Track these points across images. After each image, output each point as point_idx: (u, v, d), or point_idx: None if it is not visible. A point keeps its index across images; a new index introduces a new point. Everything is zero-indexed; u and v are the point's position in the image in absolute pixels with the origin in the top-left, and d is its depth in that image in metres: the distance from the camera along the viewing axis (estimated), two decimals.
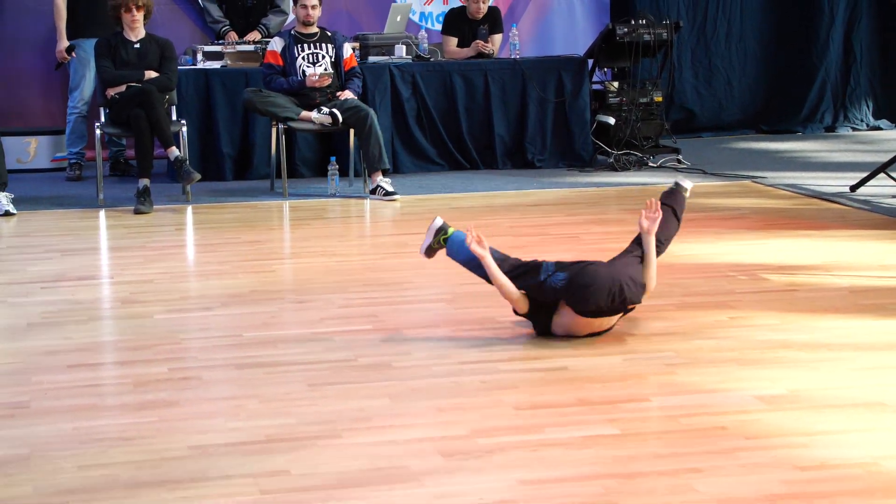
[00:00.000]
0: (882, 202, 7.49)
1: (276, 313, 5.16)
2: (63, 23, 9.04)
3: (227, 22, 9.51)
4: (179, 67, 8.59)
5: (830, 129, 11.57)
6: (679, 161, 9.38)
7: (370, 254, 6.59)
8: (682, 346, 4.49)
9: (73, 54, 8.95)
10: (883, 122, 11.67)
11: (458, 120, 9.32)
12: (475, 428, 3.64)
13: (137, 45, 8.22)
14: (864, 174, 7.94)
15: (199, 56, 9.05)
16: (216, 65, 9.02)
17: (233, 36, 9.40)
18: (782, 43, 11.61)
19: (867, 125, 11.66)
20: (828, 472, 3.24)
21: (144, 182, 7.78)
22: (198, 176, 7.89)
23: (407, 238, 6.85)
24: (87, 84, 9.13)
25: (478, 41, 9.51)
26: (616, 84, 9.74)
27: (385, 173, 8.22)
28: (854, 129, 11.57)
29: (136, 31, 8.23)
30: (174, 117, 8.40)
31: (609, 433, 3.58)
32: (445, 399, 3.94)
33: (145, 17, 8.24)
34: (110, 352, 4.72)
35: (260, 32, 9.47)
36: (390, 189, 8.08)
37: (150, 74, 8.12)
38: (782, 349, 4.42)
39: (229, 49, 9.13)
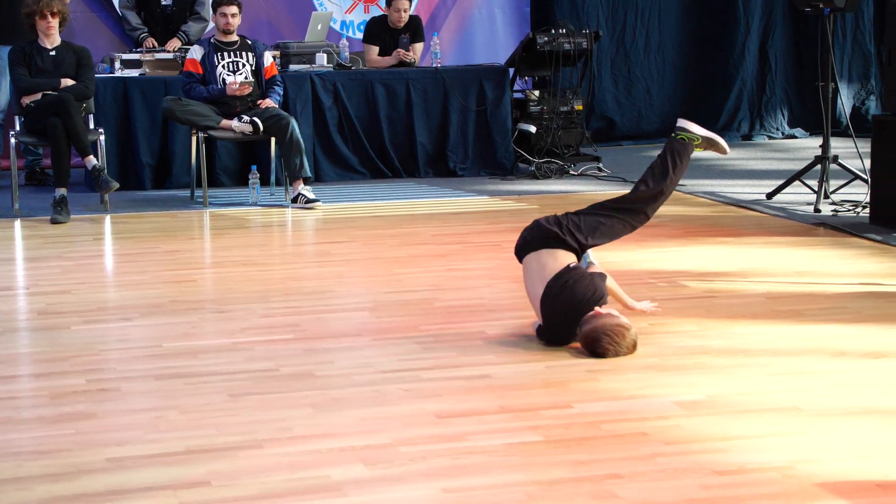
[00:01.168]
0: (797, 209, 7.62)
1: (196, 323, 5.11)
2: None
3: (146, 29, 9.42)
4: (97, 75, 8.49)
5: (747, 137, 11.75)
6: (600, 169, 9.46)
7: (292, 263, 6.56)
8: None
9: None
10: (798, 131, 11.87)
11: (380, 128, 9.32)
12: (397, 437, 3.63)
13: (53, 53, 8.11)
14: (780, 182, 8.07)
15: (117, 64, 8.94)
16: (135, 73, 8.93)
17: (151, 43, 9.30)
18: (700, 52, 11.77)
19: (783, 133, 11.85)
20: (745, 477, 3.27)
21: (61, 191, 7.67)
22: (116, 185, 7.80)
23: (329, 247, 6.83)
24: (1, 93, 8.99)
25: (399, 50, 9.53)
26: (537, 93, 9.81)
27: (306, 182, 8.19)
28: (770, 138, 11.76)
29: (52, 38, 8.11)
30: (91, 126, 8.29)
31: (531, 440, 3.59)
32: (368, 408, 3.93)
33: (60, 24, 8.13)
34: (26, 364, 4.64)
35: (180, 40, 9.39)
36: (312, 197, 8.06)
37: (67, 82, 8.02)
38: (701, 355, 4.48)
39: (148, 57, 9.03)
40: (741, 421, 3.73)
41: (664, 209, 7.78)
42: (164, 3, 9.47)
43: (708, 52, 11.76)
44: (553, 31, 9.65)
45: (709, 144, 5.02)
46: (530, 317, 5.08)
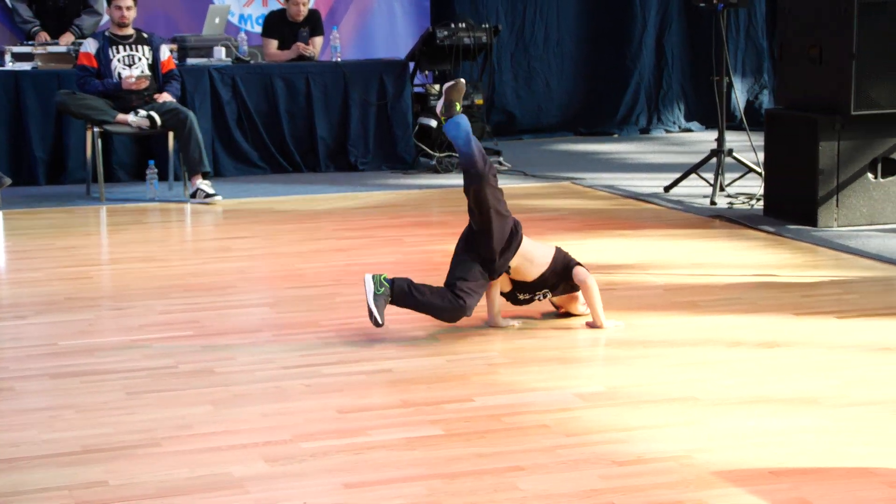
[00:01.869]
0: (694, 202, 7.73)
1: (93, 321, 5.03)
2: None
3: (38, 23, 9.23)
4: None
5: (645, 130, 11.90)
6: (500, 163, 9.50)
7: (191, 259, 6.49)
8: (504, 345, 4.56)
9: None
10: (694, 125, 12.05)
11: (280, 123, 9.25)
12: (299, 432, 3.62)
13: None
14: (677, 175, 8.19)
15: (8, 57, 8.75)
16: (27, 66, 8.74)
17: (44, 36, 9.12)
18: (598, 46, 11.89)
19: (679, 127, 12.03)
20: (644, 467, 3.32)
21: None
22: (8, 181, 7.64)
23: (229, 242, 6.77)
24: None
25: (298, 44, 9.47)
26: (437, 87, 9.82)
27: (205, 176, 8.10)
28: (667, 131, 11.92)
29: None
30: None
31: (433, 434, 3.60)
32: (269, 404, 3.90)
33: None
34: None
35: (73, 34, 9.22)
36: (211, 191, 7.97)
37: None
38: (600, 347, 4.53)
39: (40, 50, 8.85)
40: (640, 411, 3.78)
41: (564, 202, 7.88)
42: None
43: (606, 46, 11.89)
44: (453, 26, 9.67)
45: None
46: None
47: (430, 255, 6.25)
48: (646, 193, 8.12)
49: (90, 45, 8.29)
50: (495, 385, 4.08)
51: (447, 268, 5.90)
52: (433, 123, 9.63)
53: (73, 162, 8.75)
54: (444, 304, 4.62)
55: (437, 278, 5.71)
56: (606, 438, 3.54)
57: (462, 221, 7.23)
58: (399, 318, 4.92)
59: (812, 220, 6.81)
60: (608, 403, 3.86)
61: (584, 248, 6.36)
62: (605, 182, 8.66)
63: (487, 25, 9.89)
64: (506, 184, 8.59)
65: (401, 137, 9.49)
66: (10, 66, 8.72)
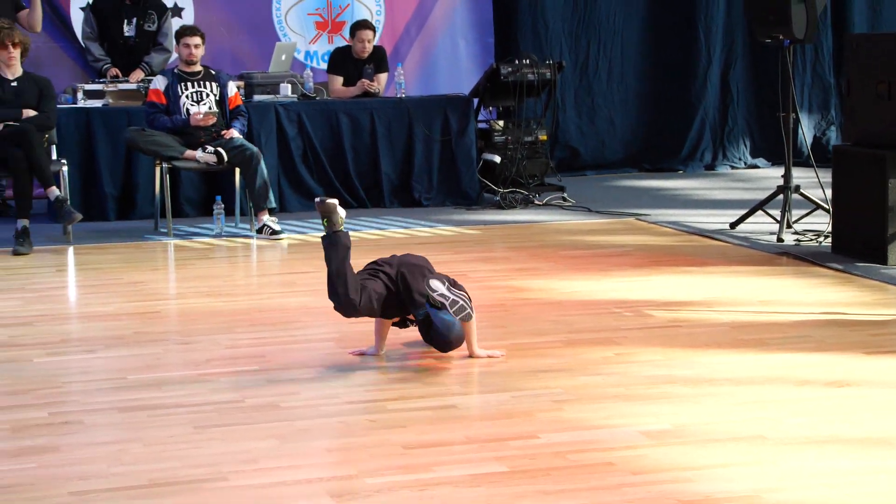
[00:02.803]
0: (760, 239, 7.66)
1: (160, 355, 5.08)
2: None
3: (109, 60, 9.39)
4: (60, 106, 8.45)
5: (710, 167, 11.82)
6: (564, 199, 9.49)
7: (257, 294, 6.53)
8: (569, 382, 4.53)
9: None
10: (760, 161, 11.96)
11: (345, 158, 9.32)
12: (363, 468, 3.62)
13: (14, 83, 8.06)
14: (743, 211, 8.12)
15: (80, 94, 8.90)
16: (98, 103, 8.89)
17: (115, 72, 9.27)
18: (662, 82, 11.85)
19: (745, 163, 11.93)
20: None
21: (23, 223, 7.61)
22: (79, 216, 7.75)
23: (294, 277, 6.81)
24: None
25: (363, 80, 9.54)
26: (501, 123, 9.85)
27: (271, 212, 8.17)
28: (732, 168, 11.83)
29: (13, 68, 8.06)
30: (54, 157, 8.24)
31: (497, 471, 3.58)
32: (334, 439, 3.91)
33: (22, 55, 8.08)
34: None
35: (143, 71, 9.37)
36: (276, 228, 8.04)
37: (28, 113, 7.96)
38: (666, 384, 4.49)
39: (111, 87, 9.00)
40: (707, 450, 3.74)
41: (629, 238, 7.85)
42: (126, 34, 9.45)
43: (670, 81, 11.85)
44: (517, 62, 9.70)
45: None
46: (495, 347, 5.08)
47: (493, 290, 6.25)
48: (711, 230, 8.06)
49: (159, 82, 8.41)
50: (560, 422, 4.06)
51: (511, 304, 5.92)
52: (497, 159, 9.64)
53: (141, 197, 8.86)
54: (347, 289, 4.67)
55: (502, 314, 5.71)
56: (673, 477, 3.50)
57: (526, 257, 7.24)
58: (464, 353, 4.91)
59: (881, 258, 6.72)
60: (675, 442, 3.83)
61: (649, 285, 6.33)
62: (669, 218, 8.61)
63: (551, 61, 9.91)
64: (569, 219, 8.63)
65: (465, 173, 9.51)
66: (81, 103, 8.87)
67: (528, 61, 9.72)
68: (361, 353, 4.93)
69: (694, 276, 6.60)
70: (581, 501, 3.32)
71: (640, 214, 8.80)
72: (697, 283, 6.42)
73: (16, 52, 8.02)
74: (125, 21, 9.42)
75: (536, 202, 9.43)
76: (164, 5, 9.76)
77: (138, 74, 9.31)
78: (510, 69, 9.62)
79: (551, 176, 10.04)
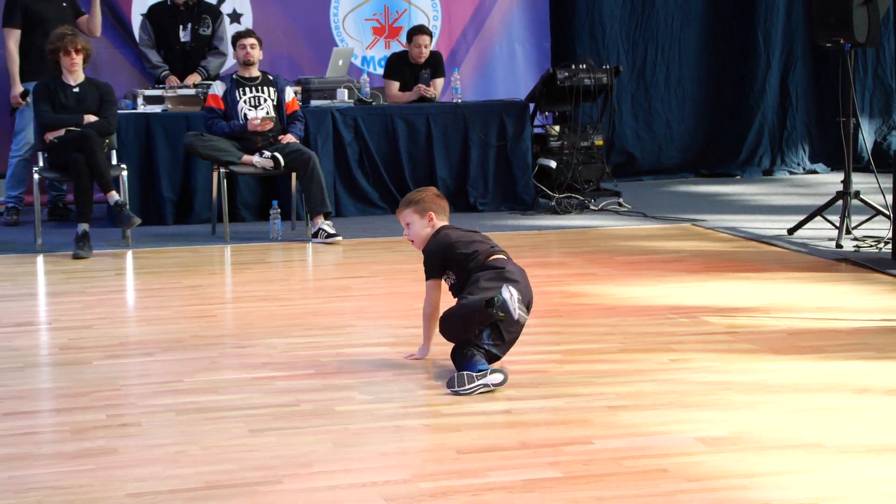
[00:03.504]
0: (819, 245, 7.59)
1: (216, 358, 5.12)
2: (16, 68, 8.97)
3: (167, 67, 9.49)
4: (120, 112, 8.55)
5: (768, 172, 11.73)
6: (620, 204, 9.45)
7: (312, 298, 6.56)
8: (624, 388, 4.51)
9: (28, 100, 8.81)
10: (819, 166, 11.84)
11: (401, 163, 9.34)
12: (417, 472, 3.62)
13: (76, 89, 8.16)
14: (802, 217, 8.04)
15: (140, 100, 9.01)
16: (157, 109, 8.99)
17: (173, 80, 9.37)
18: (720, 87, 11.78)
19: (804, 169, 11.83)
20: None
21: (83, 227, 7.71)
22: (138, 220, 7.83)
23: (349, 281, 6.84)
24: (32, 128, 9.04)
25: (420, 85, 9.56)
26: (557, 128, 9.83)
27: (327, 217, 8.21)
28: (791, 173, 11.73)
29: (75, 74, 8.17)
30: (114, 161, 8.34)
31: (552, 476, 3.57)
32: (388, 443, 3.92)
33: (84, 61, 8.18)
34: (47, 399, 4.64)
35: (200, 75, 9.46)
36: (332, 232, 8.07)
37: (90, 118, 8.07)
38: (723, 391, 4.45)
39: (170, 93, 9.10)
40: (764, 457, 3.70)
41: (685, 244, 7.80)
42: (183, 39, 9.55)
43: (728, 86, 11.77)
44: (573, 67, 9.68)
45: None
46: (551, 352, 5.08)
47: (549, 296, 6.23)
48: (769, 236, 7.99)
49: (218, 88, 8.49)
50: (615, 427, 4.04)
51: (567, 309, 5.90)
52: (553, 164, 9.63)
53: (199, 202, 8.94)
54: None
55: (557, 319, 5.70)
56: (729, 484, 3.47)
57: (582, 262, 7.21)
58: (518, 359, 4.91)
59: None
60: (731, 449, 3.79)
61: (706, 291, 6.28)
62: (727, 224, 8.55)
63: (608, 66, 9.87)
64: (625, 225, 8.59)
65: (520, 178, 9.50)
66: (141, 108, 8.97)
67: (584, 66, 9.70)
68: (412, 357, 4.94)
69: (751, 282, 6.54)
70: None
71: (697, 220, 8.74)
72: (755, 289, 6.36)
73: (79, 59, 8.12)
74: (180, 27, 9.52)
75: (592, 207, 9.40)
76: (219, 10, 9.87)
77: (195, 77, 9.41)
78: (566, 74, 9.60)
79: (607, 181, 10.01)
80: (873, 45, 8.17)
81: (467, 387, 4.38)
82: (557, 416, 4.18)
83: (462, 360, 4.54)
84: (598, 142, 9.83)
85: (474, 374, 4.41)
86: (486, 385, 4.39)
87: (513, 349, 4.87)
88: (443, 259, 4.81)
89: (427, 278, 4.86)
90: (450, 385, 4.42)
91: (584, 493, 3.42)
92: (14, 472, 3.69)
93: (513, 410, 4.25)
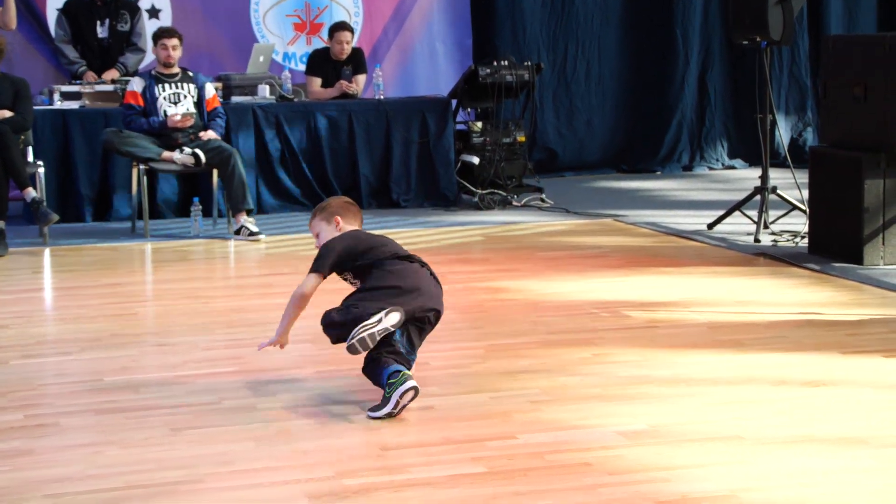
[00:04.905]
0: (738, 240, 7.69)
1: (136, 357, 5.06)
2: None
3: (84, 63, 9.36)
4: (36, 108, 8.41)
5: (688, 168, 11.86)
6: (542, 200, 9.50)
7: (234, 295, 6.51)
8: (547, 383, 4.53)
9: None
10: (737, 162, 12.00)
11: (323, 160, 9.31)
12: (341, 469, 3.61)
13: None
14: (721, 212, 8.15)
15: (56, 96, 8.87)
16: (74, 105, 8.85)
17: (91, 76, 9.24)
18: (640, 85, 11.89)
19: (722, 164, 11.98)
20: None
21: None
22: (55, 217, 7.72)
23: (272, 279, 6.80)
24: None
25: (342, 81, 9.53)
26: (479, 124, 9.85)
27: (249, 213, 8.15)
28: (710, 169, 11.87)
29: None
30: (30, 158, 8.20)
31: (475, 471, 3.58)
32: (311, 441, 3.90)
33: None
34: None
35: (118, 71, 9.34)
36: (255, 229, 8.02)
37: (4, 114, 7.92)
38: (643, 385, 4.49)
39: (87, 89, 8.97)
40: (683, 450, 3.75)
41: (606, 239, 7.86)
42: (100, 35, 9.42)
43: (648, 83, 11.88)
44: (495, 64, 9.71)
45: None
46: (473, 348, 5.09)
47: (471, 291, 6.25)
48: (689, 231, 8.08)
49: (136, 84, 8.38)
50: (537, 423, 4.06)
51: (489, 304, 5.92)
52: (475, 160, 9.65)
53: (118, 199, 8.83)
54: None
55: (479, 314, 5.71)
56: (650, 477, 3.51)
57: (504, 258, 7.24)
58: (441, 355, 4.91)
59: (857, 259, 6.75)
60: (651, 442, 3.83)
61: (627, 286, 6.34)
62: (647, 219, 8.63)
63: (529, 63, 9.92)
64: (548, 220, 8.63)
65: (443, 175, 9.51)
66: (58, 104, 8.83)
67: (506, 63, 9.73)
68: (269, 345, 4.54)
69: (671, 276, 6.61)
70: (558, 502, 3.32)
71: (618, 215, 8.82)
72: (675, 283, 6.43)
73: None
74: (98, 22, 9.40)
75: (515, 203, 9.44)
76: (136, 5, 9.75)
77: (113, 73, 9.29)
78: (488, 70, 9.63)
79: (529, 177, 10.05)
80: (788, 44, 8.30)
81: (389, 409, 4.09)
82: (480, 412, 4.19)
83: (373, 371, 4.26)
84: (521, 138, 9.88)
85: (388, 393, 4.10)
86: (403, 393, 4.08)
87: (435, 345, 4.87)
88: (339, 255, 4.46)
89: (312, 270, 4.45)
90: (374, 410, 4.14)
91: (507, 488, 3.44)
92: None
93: (435, 406, 4.25)
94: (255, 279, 7.05)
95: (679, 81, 11.87)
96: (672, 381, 4.54)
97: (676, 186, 10.73)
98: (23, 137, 8.07)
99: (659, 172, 11.67)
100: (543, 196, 9.57)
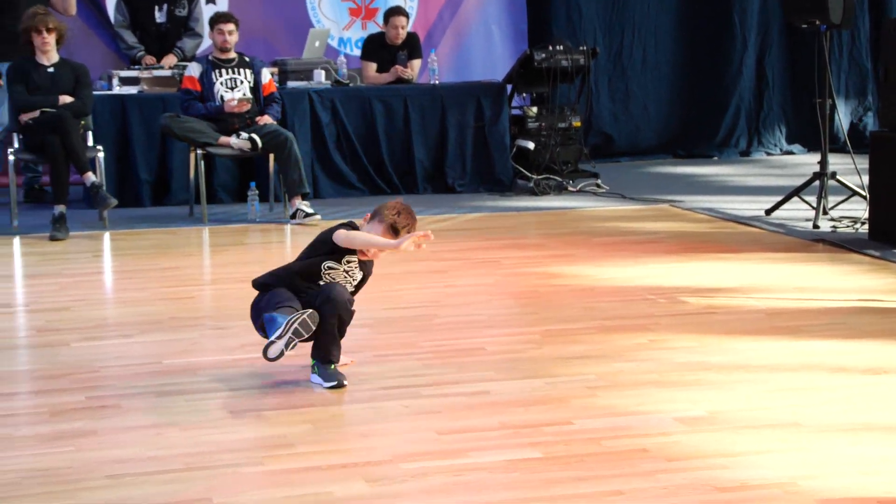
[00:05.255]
0: (796, 225, 7.62)
1: (195, 340, 5.11)
2: None
3: (143, 48, 9.43)
4: (95, 93, 8.49)
5: (745, 153, 11.76)
6: (598, 185, 9.47)
7: None
8: (603, 369, 4.52)
9: (0, 82, 8.72)
10: (795, 147, 11.88)
11: (378, 145, 9.33)
12: (398, 453, 3.63)
13: (51, 70, 8.10)
14: (779, 198, 8.08)
15: (115, 81, 8.95)
16: (133, 90, 8.93)
17: (149, 60, 9.32)
18: (697, 69, 11.79)
19: (780, 150, 11.87)
20: (747, 493, 3.27)
21: (60, 208, 7.67)
22: (114, 202, 7.80)
23: None
24: (5, 110, 8.96)
25: (397, 66, 9.54)
26: (535, 109, 9.82)
27: (305, 197, 8.19)
28: (768, 154, 11.77)
29: (49, 54, 8.10)
30: (90, 143, 8.28)
31: (531, 457, 3.58)
32: (368, 424, 3.92)
33: (58, 42, 8.11)
34: (25, 381, 4.63)
35: (176, 56, 9.41)
36: (310, 211, 8.05)
37: (65, 99, 8.01)
38: (701, 371, 4.47)
39: (146, 74, 9.05)
40: (742, 437, 3.73)
41: (662, 225, 7.82)
42: (158, 21, 9.49)
43: (705, 68, 11.79)
44: (550, 48, 9.67)
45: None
46: (528, 333, 5.09)
47: (526, 277, 6.25)
48: (746, 216, 8.02)
49: (194, 69, 8.44)
50: (594, 408, 4.06)
51: (544, 290, 5.91)
52: (531, 146, 9.62)
53: (176, 184, 8.90)
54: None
55: (535, 300, 5.71)
56: (708, 464, 3.49)
57: (560, 244, 7.23)
58: (497, 339, 4.92)
59: None
60: (709, 428, 3.81)
61: (683, 272, 6.31)
62: (704, 205, 8.58)
63: (585, 48, 9.87)
64: (603, 206, 8.60)
65: (498, 159, 9.50)
66: (117, 89, 8.92)
67: (561, 47, 9.69)
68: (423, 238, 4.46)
69: (728, 262, 6.57)
70: (615, 487, 3.32)
71: (675, 201, 8.77)
72: (732, 269, 6.39)
73: (51, 38, 8.04)
74: (156, 7, 9.47)
75: (570, 188, 9.41)
76: None
77: (171, 59, 9.36)
78: (544, 55, 9.59)
79: (585, 162, 10.02)
80: (849, 27, 8.21)
81: (277, 345, 4.19)
82: (536, 397, 4.19)
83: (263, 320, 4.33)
84: (576, 123, 9.84)
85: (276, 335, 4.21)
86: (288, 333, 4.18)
87: (490, 330, 4.88)
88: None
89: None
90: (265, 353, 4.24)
91: (564, 474, 3.44)
92: None
93: (491, 392, 4.26)
94: None
95: (737, 65, 11.77)
96: (729, 367, 4.51)
97: (733, 172, 10.65)
98: (83, 122, 8.15)
99: (716, 158, 11.58)
100: (599, 181, 9.53)
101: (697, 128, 11.78)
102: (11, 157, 8.04)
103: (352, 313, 4.40)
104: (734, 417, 3.91)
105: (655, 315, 5.35)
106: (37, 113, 7.94)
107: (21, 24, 8.10)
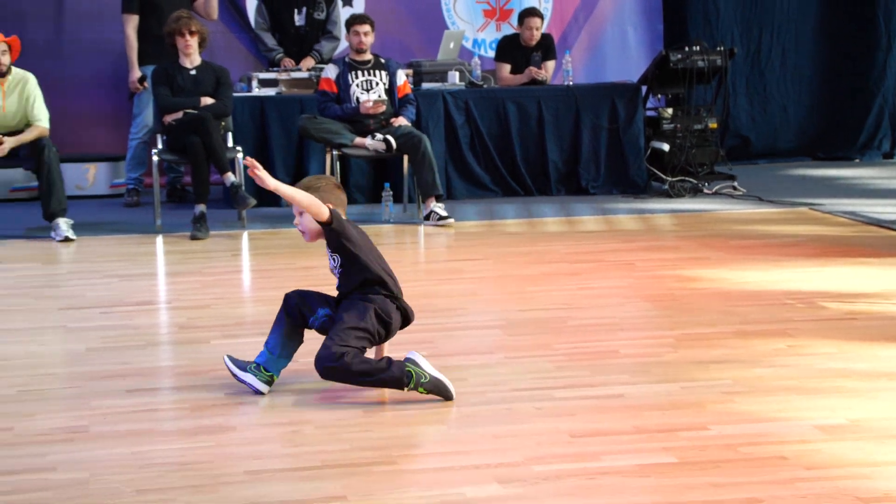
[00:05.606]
0: None
1: None
2: (135, 53, 9.11)
3: (282, 50, 9.60)
4: (235, 94, 8.67)
5: (888, 155, 11.46)
6: (735, 188, 9.32)
7: (424, 280, 6.59)
8: (740, 374, 4.45)
9: (146, 84, 8.99)
10: None
11: (512, 146, 9.33)
12: (531, 455, 3.62)
13: (193, 72, 8.30)
14: None
15: (255, 83, 9.13)
16: (271, 92, 9.10)
17: (287, 63, 9.48)
18: (838, 70, 11.53)
19: None
20: None
21: (201, 208, 7.84)
22: (253, 201, 7.95)
23: (461, 264, 6.86)
24: (150, 111, 9.21)
25: (531, 68, 9.53)
26: (670, 110, 9.71)
27: (439, 199, 8.23)
28: None
29: (191, 57, 8.30)
30: (230, 144, 8.46)
31: (666, 461, 3.54)
32: (500, 426, 3.92)
33: (200, 45, 8.31)
34: (168, 377, 4.74)
35: (314, 58, 9.55)
36: (444, 214, 8.09)
37: (206, 101, 8.20)
38: (841, 378, 4.37)
39: (284, 76, 9.21)
40: (885, 447, 3.63)
41: (801, 228, 7.66)
42: (297, 23, 9.65)
43: (846, 69, 11.52)
44: (686, 49, 9.55)
45: (434, 388, 4.18)
46: (664, 337, 5.03)
47: (662, 280, 6.18)
48: (890, 220, 7.81)
49: (330, 71, 8.56)
50: (731, 414, 3.99)
51: (680, 293, 5.84)
52: (665, 147, 9.52)
53: None
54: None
55: (670, 303, 5.65)
56: (849, 473, 3.41)
57: (696, 246, 7.14)
58: (631, 342, 4.88)
59: None
60: (851, 437, 3.72)
61: (823, 276, 6.17)
62: (845, 208, 8.38)
63: (722, 48, 9.72)
64: (740, 209, 8.46)
65: (632, 161, 9.42)
66: (256, 91, 9.09)
67: (698, 48, 9.56)
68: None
69: (870, 267, 6.41)
70: (753, 495, 3.26)
71: (814, 204, 8.58)
72: (874, 274, 6.23)
73: (193, 41, 8.24)
74: (295, 10, 9.62)
75: (706, 191, 9.28)
76: None
77: (309, 62, 9.50)
78: (680, 56, 9.48)
79: (721, 164, 9.87)
80: None
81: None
82: (671, 401, 4.14)
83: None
84: (712, 125, 9.70)
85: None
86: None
87: (625, 333, 4.83)
88: (343, 233, 4.69)
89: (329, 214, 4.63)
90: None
91: (700, 479, 3.39)
92: (136, 447, 3.78)
93: (626, 395, 4.22)
94: (445, 264, 7.13)
95: (880, 67, 11.47)
96: (871, 374, 4.40)
97: (876, 174, 10.38)
98: (223, 123, 8.33)
99: (857, 160, 11.31)
100: (736, 184, 9.38)
101: (838, 130, 11.51)
102: (155, 158, 8.25)
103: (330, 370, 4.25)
104: (876, 426, 3.81)
105: (794, 320, 5.25)
106: (180, 114, 8.15)
107: (165, 27, 8.32)
